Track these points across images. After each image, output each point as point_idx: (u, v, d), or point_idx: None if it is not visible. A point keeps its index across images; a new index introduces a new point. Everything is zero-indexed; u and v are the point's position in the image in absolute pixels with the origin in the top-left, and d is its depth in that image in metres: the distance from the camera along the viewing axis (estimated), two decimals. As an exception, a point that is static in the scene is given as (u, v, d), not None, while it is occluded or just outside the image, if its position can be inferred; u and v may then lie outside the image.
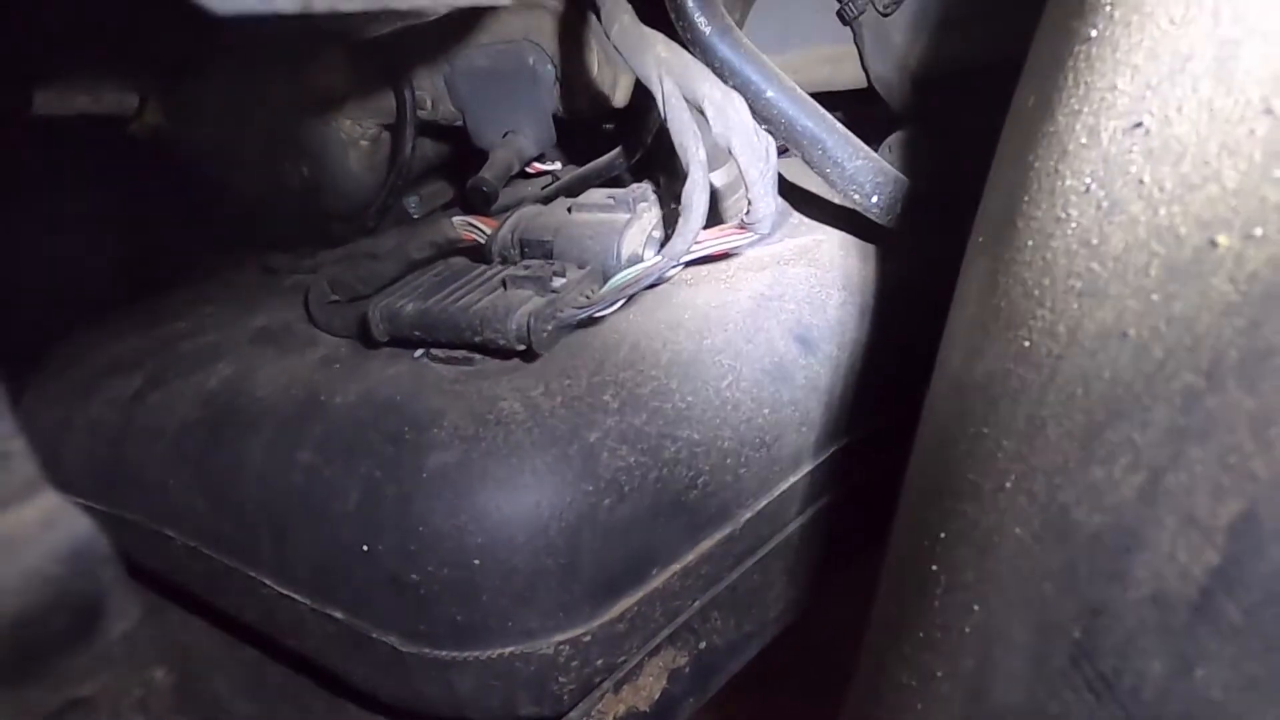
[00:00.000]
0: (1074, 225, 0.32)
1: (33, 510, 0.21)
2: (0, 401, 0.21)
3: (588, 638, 0.62)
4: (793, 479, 0.71)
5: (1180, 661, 0.22)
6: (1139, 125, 0.28)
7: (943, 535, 0.38)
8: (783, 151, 0.95)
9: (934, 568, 0.39)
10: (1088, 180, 0.31)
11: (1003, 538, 0.33)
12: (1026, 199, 0.37)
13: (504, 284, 0.66)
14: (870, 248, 0.79)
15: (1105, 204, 0.30)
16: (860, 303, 0.76)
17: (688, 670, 0.68)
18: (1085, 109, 0.33)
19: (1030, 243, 0.36)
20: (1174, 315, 0.24)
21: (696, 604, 0.67)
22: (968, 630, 0.34)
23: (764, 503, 0.70)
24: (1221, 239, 0.23)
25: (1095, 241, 0.30)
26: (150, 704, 0.23)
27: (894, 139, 0.86)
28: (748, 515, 0.69)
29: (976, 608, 0.34)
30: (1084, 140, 0.32)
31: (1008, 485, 0.33)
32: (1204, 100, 0.25)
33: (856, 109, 0.90)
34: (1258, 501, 0.21)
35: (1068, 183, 0.33)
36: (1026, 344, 0.34)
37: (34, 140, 0.82)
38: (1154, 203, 0.26)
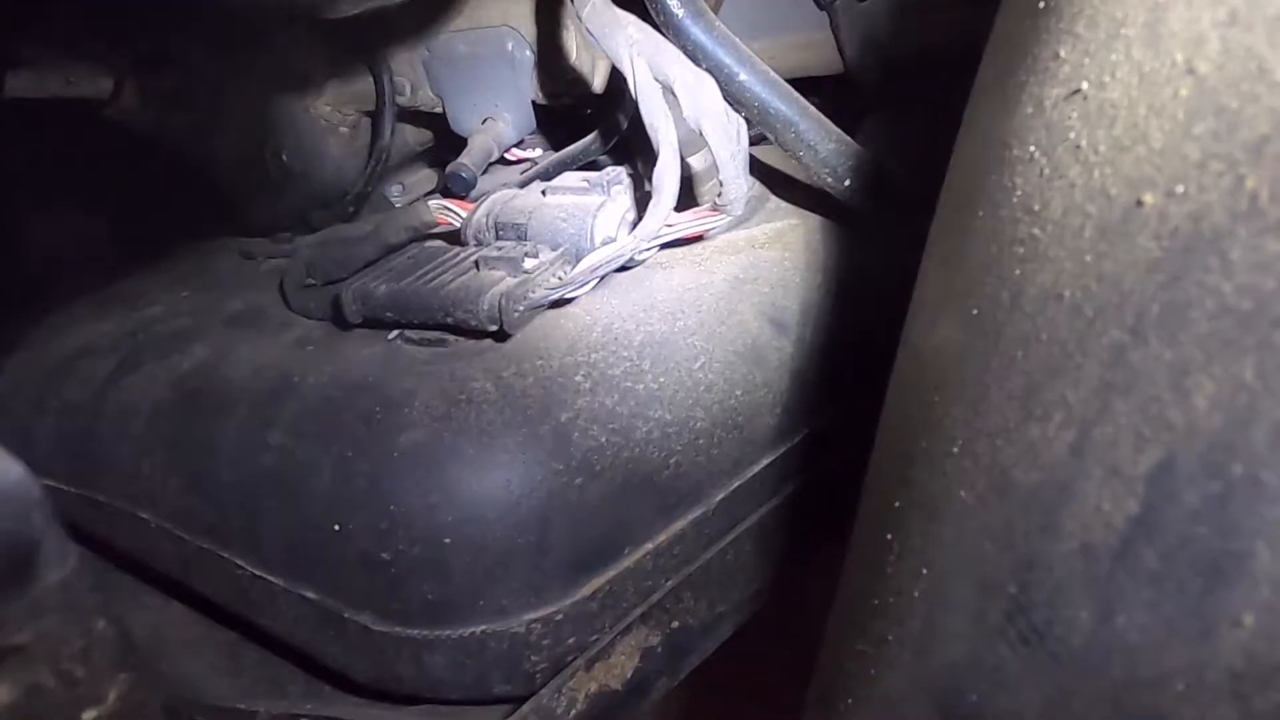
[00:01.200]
0: (1019, 193, 0.32)
1: (-40, 453, 0.21)
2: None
3: (559, 616, 0.62)
4: (765, 460, 0.72)
5: (1104, 608, 0.23)
6: (1077, 92, 0.29)
7: (897, 504, 0.39)
8: (761, 139, 0.96)
9: (889, 536, 0.39)
10: (1031, 148, 0.32)
11: (949, 502, 0.33)
12: (981, 171, 0.37)
13: (477, 265, 0.67)
14: (845, 231, 0.80)
15: (1046, 170, 0.30)
16: (834, 286, 0.76)
17: (660, 650, 0.68)
18: (1031, 79, 0.33)
19: (982, 213, 0.36)
20: (1104, 274, 0.25)
21: (669, 584, 0.67)
22: (916, 594, 0.35)
23: (736, 484, 0.70)
24: (1147, 197, 0.24)
25: (1037, 207, 0.30)
26: (92, 655, 0.23)
27: (869, 124, 0.86)
28: (720, 496, 0.69)
29: (924, 571, 0.34)
30: (1029, 110, 0.33)
31: (954, 450, 0.34)
32: (1135, 64, 0.25)
33: (831, 96, 0.91)
34: (1174, 450, 0.21)
35: (1014, 152, 0.34)
36: (975, 312, 0.34)
37: (7, 123, 0.82)
38: (1089, 166, 0.27)
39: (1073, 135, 0.29)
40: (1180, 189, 0.22)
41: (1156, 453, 0.22)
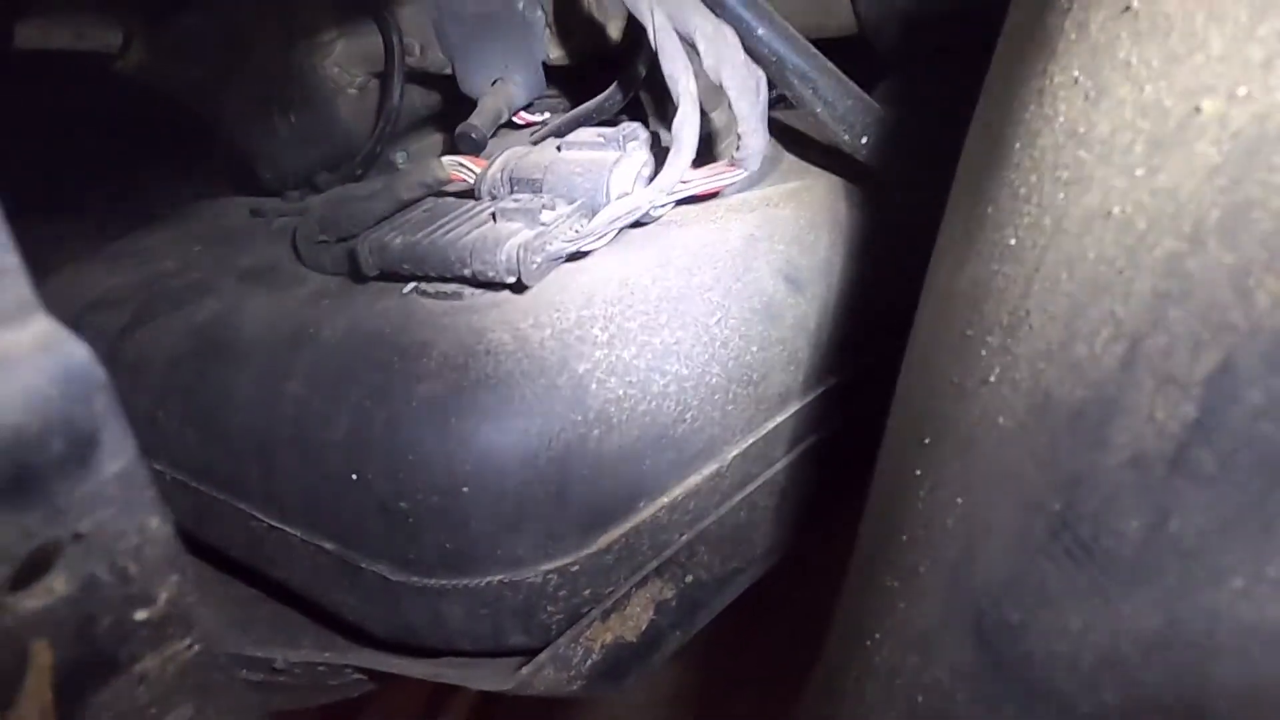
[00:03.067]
0: (1061, 119, 0.32)
1: (29, 332, 0.21)
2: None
3: (575, 567, 0.62)
4: (780, 418, 0.72)
5: (1157, 515, 0.23)
6: (1127, 9, 0.29)
7: (926, 440, 0.39)
8: (776, 102, 0.95)
9: (918, 472, 0.39)
10: (1075, 73, 0.32)
11: (986, 429, 0.33)
12: (1017, 106, 0.37)
13: (493, 217, 0.66)
14: (860, 190, 0.79)
15: (1092, 92, 0.30)
16: (849, 244, 0.76)
17: (674, 603, 0.69)
18: (1075, 5, 0.33)
19: (1018, 145, 0.36)
20: (1158, 187, 0.25)
21: (683, 538, 0.68)
22: (950, 523, 0.35)
23: (751, 440, 0.70)
24: (1206, 104, 0.23)
25: (1082, 130, 0.30)
26: (145, 553, 0.23)
27: (885, 85, 0.86)
28: (735, 452, 0.69)
29: (960, 500, 0.34)
30: (1073, 36, 0.33)
31: (991, 379, 0.34)
32: (1192, -26, 0.25)
33: (846, 58, 0.90)
34: (1235, 350, 0.21)
35: (1056, 80, 0.33)
36: (1012, 242, 0.34)
37: (17, 76, 0.81)
38: (1140, 81, 0.27)
39: (1122, 54, 0.28)
40: (1243, 91, 0.22)
41: (1215, 355, 0.22)
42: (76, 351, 0.21)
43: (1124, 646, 0.24)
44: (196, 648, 0.27)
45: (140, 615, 0.24)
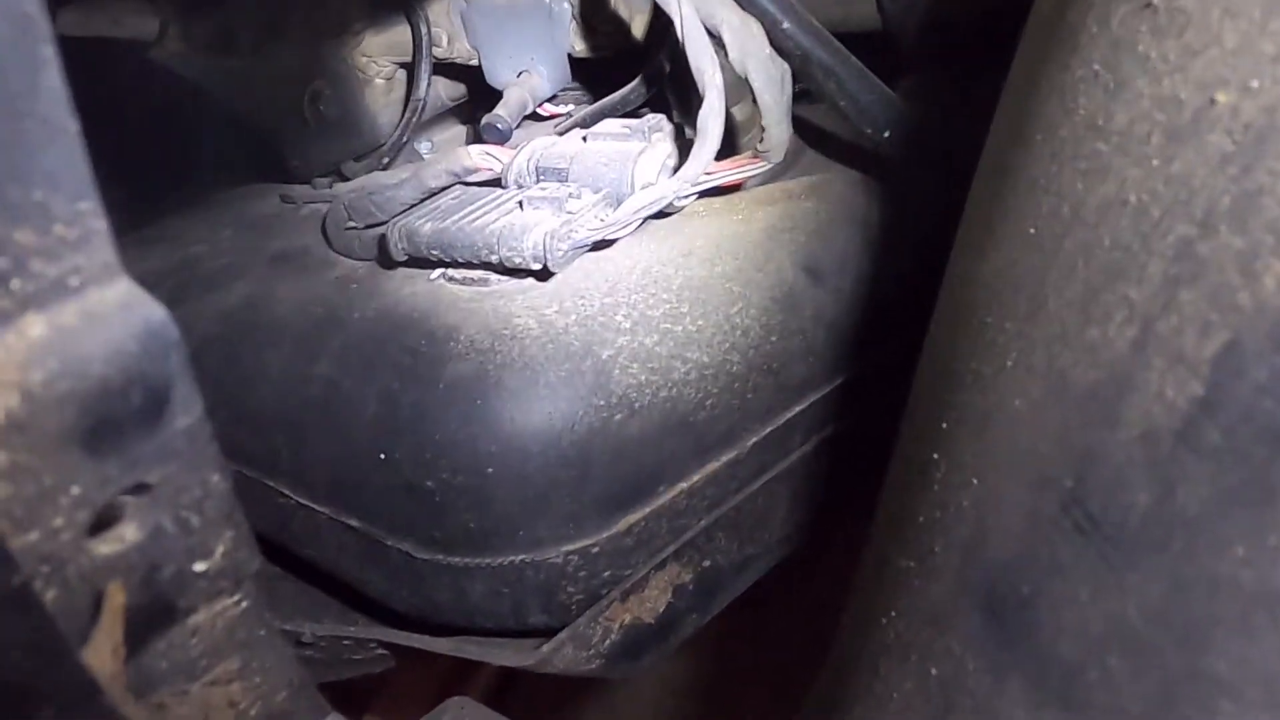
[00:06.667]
0: (1081, 112, 0.33)
1: (114, 291, 0.22)
2: (86, 180, 0.22)
3: (596, 549, 0.64)
4: (798, 408, 0.73)
5: (1163, 488, 0.24)
6: (1148, 6, 0.29)
7: (944, 425, 0.40)
8: (801, 95, 0.96)
9: (935, 456, 0.40)
10: (1096, 67, 0.33)
11: (1003, 412, 0.34)
12: (1038, 99, 0.38)
13: (520, 206, 0.68)
14: (882, 184, 0.80)
15: (1112, 85, 0.31)
16: (870, 238, 0.77)
17: (691, 587, 0.70)
18: (1097, 1, 0.34)
19: (1039, 137, 0.37)
20: (1172, 175, 0.26)
21: (701, 523, 0.69)
22: (965, 504, 0.36)
23: (769, 429, 0.71)
24: (1220, 96, 0.24)
25: (1101, 122, 0.31)
26: (206, 506, 0.25)
27: (907, 81, 0.86)
28: (753, 440, 0.70)
29: (975, 481, 0.35)
30: (1094, 30, 0.34)
31: (1009, 364, 0.35)
32: (1209, -29, 0.26)
33: (869, 53, 0.91)
34: (1241, 330, 0.22)
35: (1077, 74, 0.34)
36: (1032, 231, 0.35)
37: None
38: (1158, 75, 0.28)
39: (1141, 48, 0.29)
40: (1255, 84, 0.23)
41: (1223, 335, 0.23)
42: (155, 311, 0.22)
43: (1129, 615, 0.25)
44: (245, 604, 0.29)
45: (199, 567, 0.25)
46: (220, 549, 0.26)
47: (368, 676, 0.86)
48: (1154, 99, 0.28)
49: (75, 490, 0.22)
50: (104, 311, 0.22)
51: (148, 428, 0.22)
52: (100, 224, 0.22)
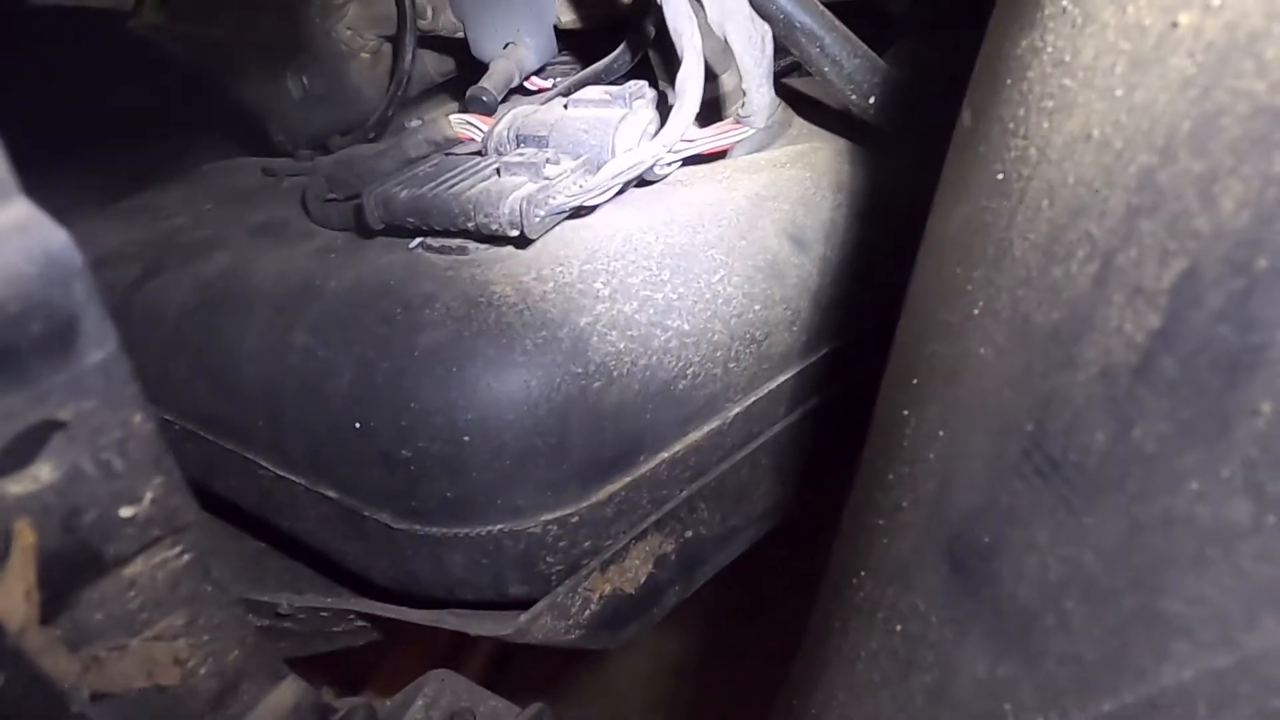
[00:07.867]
0: (1050, 50, 0.32)
1: (7, 213, 0.21)
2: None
3: (575, 519, 0.63)
4: (782, 377, 0.72)
5: (1121, 425, 0.23)
6: (1114, -65, 0.28)
7: (915, 381, 0.39)
8: (787, 70, 0.94)
9: (905, 412, 0.39)
10: (1064, 3, 0.32)
11: (968, 361, 0.33)
12: (1009, 43, 0.37)
13: (498, 172, 0.67)
14: (867, 152, 0.79)
15: (1079, 19, 0.30)
16: (855, 206, 0.76)
17: (673, 558, 0.69)
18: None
19: (1009, 81, 0.36)
20: (1135, 104, 0.25)
21: (684, 494, 0.68)
22: (931, 457, 0.35)
23: (753, 399, 0.70)
24: (1182, 18, 0.23)
25: (1068, 58, 0.30)
26: (129, 449, 0.24)
27: (894, 49, 0.85)
28: (736, 410, 0.69)
29: (941, 433, 0.35)
30: (1063, -33, 0.32)
31: (975, 312, 0.34)
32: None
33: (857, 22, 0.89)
34: (1199, 256, 0.21)
35: (1046, 12, 0.33)
36: (1000, 176, 0.34)
37: (32, 34, 0.82)
38: (1123, 3, 0.27)
39: (1107, -22, 0.28)
40: (1217, 2, 0.22)
41: (1181, 263, 0.22)
42: (55, 236, 0.21)
43: (1086, 557, 0.24)
44: (187, 557, 0.28)
45: (125, 512, 0.25)
46: (149, 495, 0.25)
47: (365, 654, 0.86)
48: (1119, 28, 0.27)
49: (-29, 422, 0.21)
50: (-3, 234, 0.21)
51: (54, 360, 0.21)
52: (-15, 142, 0.21)
